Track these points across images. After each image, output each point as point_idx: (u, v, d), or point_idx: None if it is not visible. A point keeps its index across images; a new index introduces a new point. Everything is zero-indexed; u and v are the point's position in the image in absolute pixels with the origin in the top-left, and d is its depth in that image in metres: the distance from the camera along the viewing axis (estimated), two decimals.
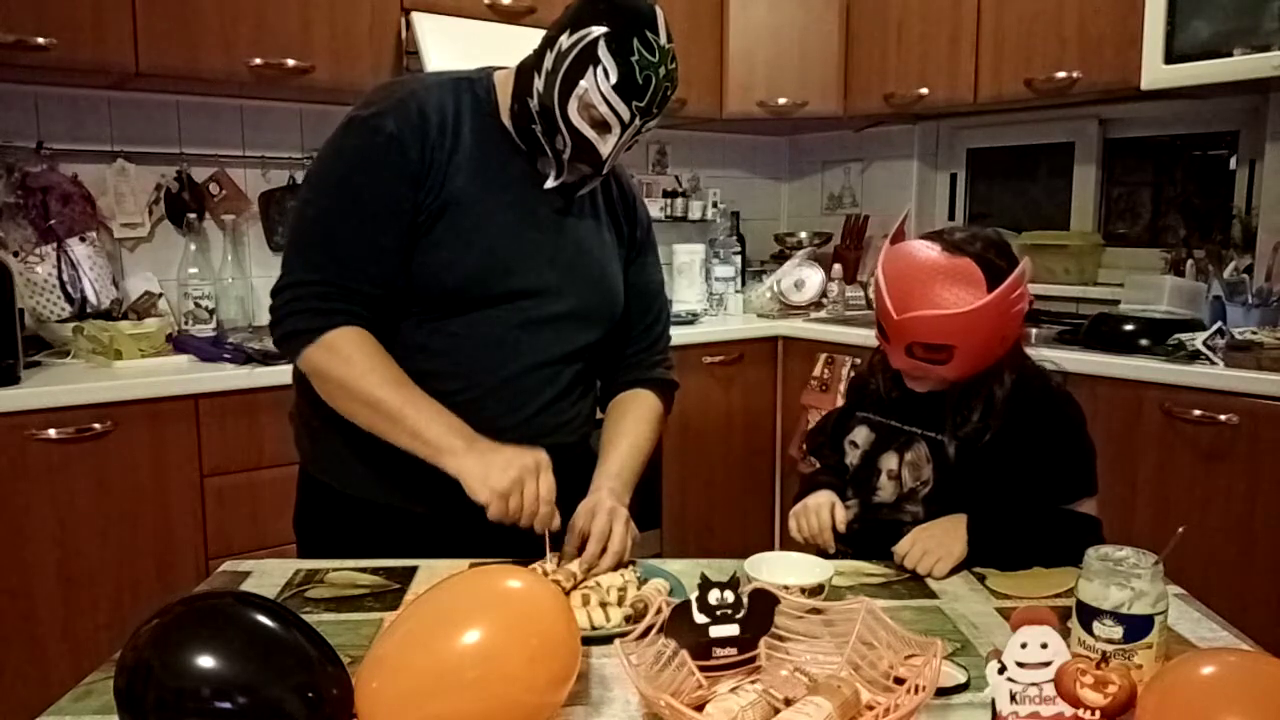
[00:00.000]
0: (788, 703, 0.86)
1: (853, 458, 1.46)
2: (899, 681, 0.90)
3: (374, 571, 1.27)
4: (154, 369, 2.20)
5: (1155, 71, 2.45)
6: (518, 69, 1.34)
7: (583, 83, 1.24)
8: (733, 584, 0.96)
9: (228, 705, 0.79)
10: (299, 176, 2.76)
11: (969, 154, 3.53)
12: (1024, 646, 0.83)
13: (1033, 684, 0.83)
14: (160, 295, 2.59)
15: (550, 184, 1.33)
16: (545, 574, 1.17)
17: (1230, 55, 2.31)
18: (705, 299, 3.36)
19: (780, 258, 3.63)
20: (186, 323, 2.56)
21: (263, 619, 0.86)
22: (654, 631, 0.98)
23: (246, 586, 1.21)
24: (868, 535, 1.41)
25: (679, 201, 3.53)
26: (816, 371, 2.99)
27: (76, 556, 2.03)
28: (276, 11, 2.40)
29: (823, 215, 3.86)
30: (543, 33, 1.31)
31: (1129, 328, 2.40)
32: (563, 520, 1.26)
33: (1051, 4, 2.72)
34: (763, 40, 3.27)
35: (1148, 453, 2.25)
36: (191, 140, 2.66)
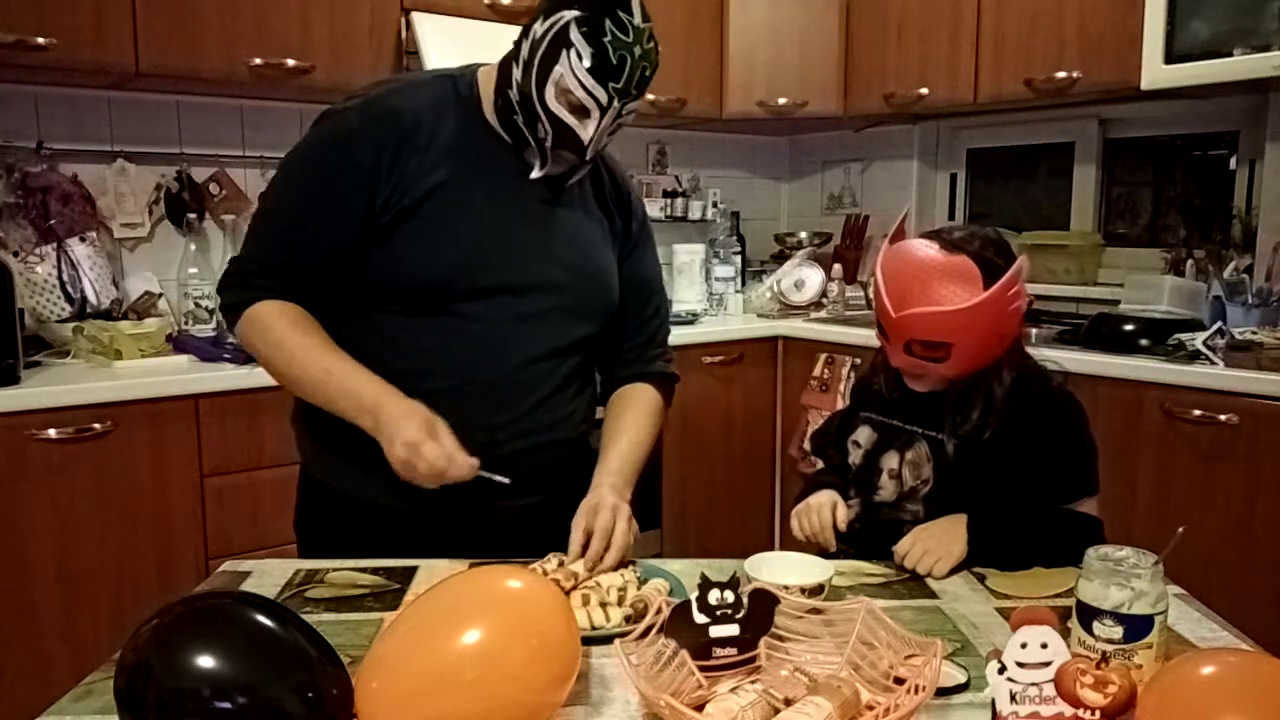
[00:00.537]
0: (788, 703, 0.86)
1: (855, 457, 1.47)
2: (899, 681, 0.90)
3: (374, 571, 1.27)
4: (154, 369, 2.20)
5: (1155, 71, 2.45)
6: (500, 63, 1.33)
7: (557, 68, 1.23)
8: (733, 584, 0.97)
9: (228, 705, 0.79)
10: None
11: (969, 154, 3.53)
12: (1024, 646, 0.83)
13: (1033, 684, 0.83)
14: (160, 295, 2.59)
15: (535, 174, 1.32)
16: (545, 574, 1.17)
17: (1230, 55, 2.31)
18: (705, 299, 3.36)
19: (780, 258, 3.63)
20: (186, 323, 2.56)
21: (263, 619, 0.86)
22: (654, 631, 0.98)
23: (246, 586, 1.21)
24: (869, 534, 1.41)
25: (679, 201, 3.53)
26: (816, 371, 2.99)
27: (76, 556, 2.03)
28: (276, 11, 2.41)
29: (823, 215, 3.86)
30: None
31: (1129, 328, 2.40)
32: (565, 519, 1.26)
33: (1051, 4, 2.72)
34: (763, 40, 3.27)
35: (1148, 453, 2.25)
36: (191, 140, 2.66)
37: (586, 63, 1.22)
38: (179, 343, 2.39)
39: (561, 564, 1.21)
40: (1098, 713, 0.80)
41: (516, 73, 1.27)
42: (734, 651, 0.95)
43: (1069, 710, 0.81)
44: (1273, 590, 2.07)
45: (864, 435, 1.47)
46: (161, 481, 2.11)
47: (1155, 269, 2.87)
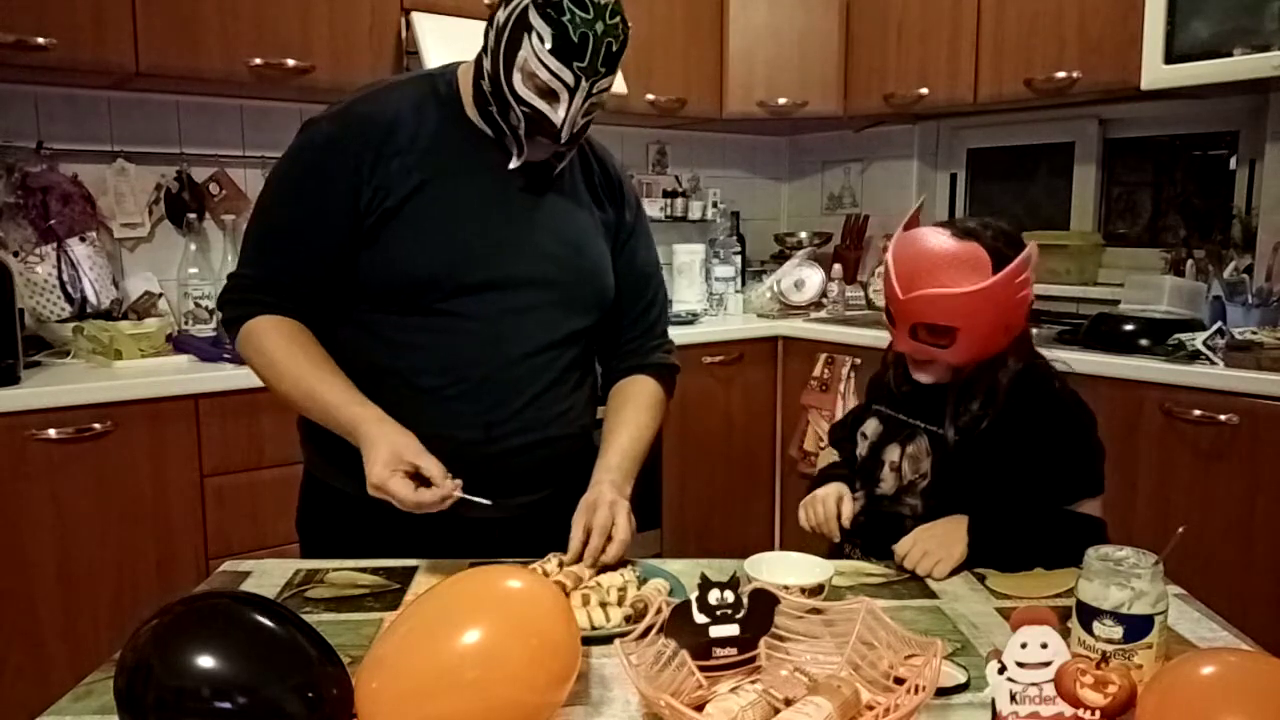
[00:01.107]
0: (788, 703, 0.86)
1: (861, 449, 1.48)
2: (899, 681, 0.90)
3: (374, 571, 1.27)
4: (154, 369, 2.20)
5: (1155, 71, 2.45)
6: (476, 58, 1.33)
7: (521, 53, 1.23)
8: (733, 584, 0.97)
9: (228, 705, 0.79)
10: None
11: (969, 154, 3.53)
12: (1024, 646, 0.83)
13: (1033, 684, 0.83)
14: (160, 295, 2.59)
15: (514, 164, 1.31)
16: (545, 574, 1.17)
17: (1230, 55, 2.31)
18: (705, 299, 3.36)
19: (780, 258, 3.63)
20: (186, 323, 2.56)
21: (263, 619, 0.86)
22: (654, 631, 0.98)
23: (246, 586, 1.21)
24: (871, 527, 1.42)
25: (679, 201, 3.53)
26: (816, 371, 2.99)
27: (76, 556, 2.03)
28: (276, 11, 2.41)
29: (823, 215, 3.86)
30: None
31: (1129, 328, 2.40)
32: (567, 517, 1.26)
33: (1051, 4, 2.72)
34: (763, 40, 3.27)
35: (1148, 453, 2.25)
36: (191, 140, 2.66)
37: (548, 44, 1.21)
38: (179, 343, 2.39)
39: (562, 564, 1.21)
40: (1098, 713, 0.80)
41: (486, 63, 1.28)
42: (734, 651, 0.95)
43: (1069, 710, 0.81)
44: (1273, 590, 2.07)
45: (871, 427, 1.48)
46: (161, 481, 2.11)
47: (1155, 269, 2.87)
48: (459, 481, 1.18)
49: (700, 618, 0.95)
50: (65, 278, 2.38)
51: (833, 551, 1.47)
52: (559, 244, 1.38)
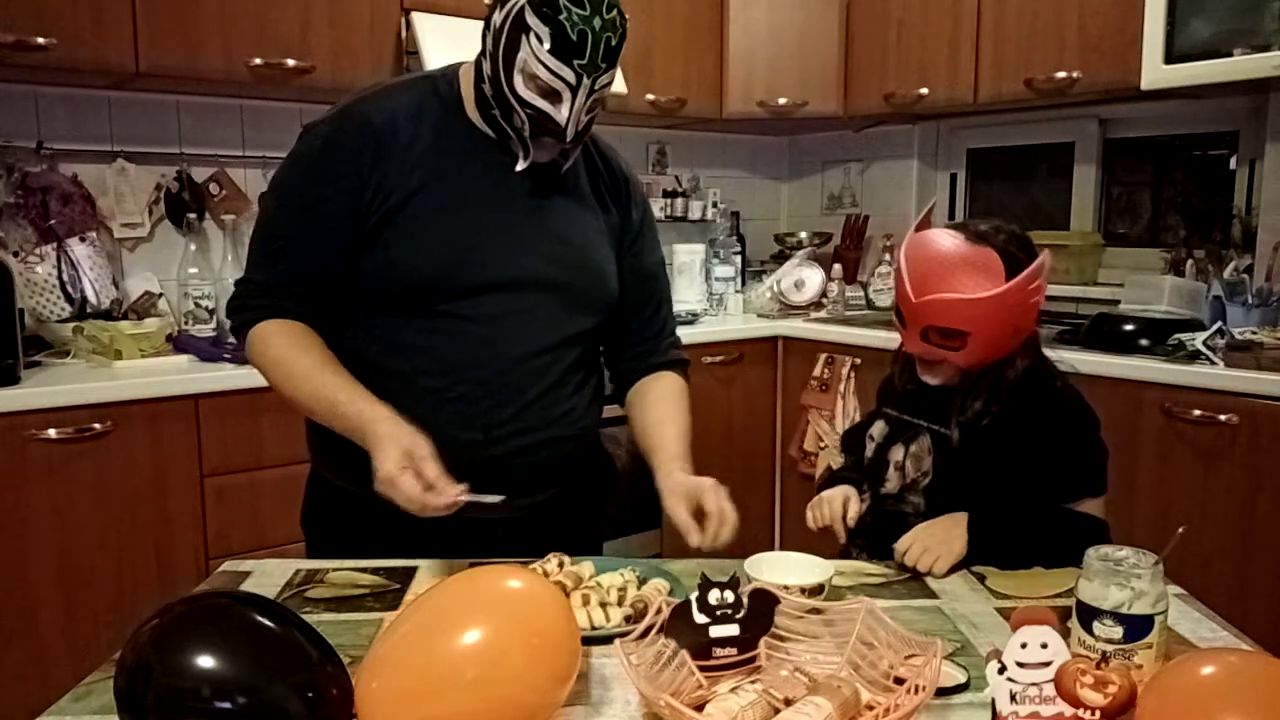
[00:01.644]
0: (788, 703, 0.86)
1: (869, 450, 1.49)
2: (899, 681, 0.90)
3: (374, 571, 1.27)
4: (154, 369, 2.20)
5: (1155, 71, 2.45)
6: (475, 60, 1.33)
7: (520, 54, 1.22)
8: (733, 584, 0.97)
9: (228, 705, 0.79)
10: None
11: (969, 154, 3.53)
12: (1024, 646, 0.83)
13: (1033, 684, 0.83)
14: (160, 295, 2.59)
15: (520, 166, 1.30)
16: (545, 574, 1.17)
17: (1230, 55, 2.31)
18: (705, 299, 3.35)
19: (780, 258, 3.63)
20: (186, 323, 2.56)
21: (263, 619, 0.86)
22: (654, 631, 0.98)
23: (246, 586, 1.21)
24: (875, 526, 1.42)
25: (679, 201, 3.53)
26: (816, 371, 2.99)
27: (76, 556, 2.03)
28: (276, 11, 2.41)
29: (823, 215, 3.86)
30: None
31: (1129, 328, 2.40)
32: (571, 517, 1.26)
33: (1051, 4, 2.72)
34: (763, 40, 3.27)
35: (1148, 453, 2.25)
36: (191, 140, 2.66)
37: (546, 44, 1.20)
38: (179, 343, 2.39)
39: (562, 564, 1.21)
40: (1098, 713, 0.80)
41: (485, 66, 1.27)
42: (734, 651, 0.95)
43: (1069, 710, 0.81)
44: (1273, 590, 2.07)
45: (878, 429, 1.49)
46: (161, 481, 2.11)
47: (1155, 269, 2.87)
48: (464, 486, 1.17)
49: (700, 618, 0.95)
50: (65, 278, 2.38)
51: (839, 554, 1.47)
52: (561, 245, 1.37)
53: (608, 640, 1.00)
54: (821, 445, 2.96)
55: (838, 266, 3.44)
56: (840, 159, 3.80)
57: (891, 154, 3.62)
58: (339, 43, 2.49)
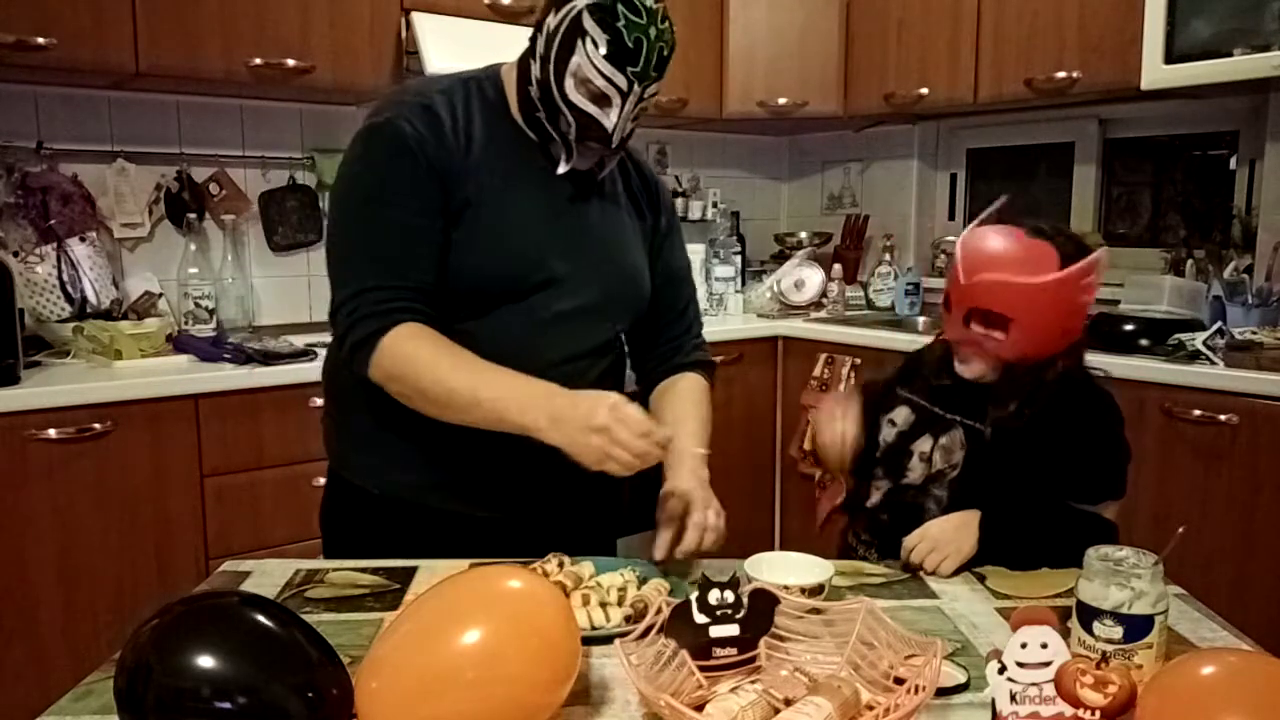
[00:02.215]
0: (788, 703, 0.86)
1: (888, 435, 1.46)
2: (899, 681, 0.90)
3: (374, 571, 1.27)
4: (154, 369, 2.20)
5: (1155, 71, 2.45)
6: (518, 61, 1.33)
7: (575, 59, 1.23)
8: (733, 584, 0.97)
9: (228, 705, 0.79)
10: (299, 177, 2.76)
11: (969, 154, 3.53)
12: (1024, 646, 0.83)
13: (1033, 684, 0.83)
14: (160, 295, 2.59)
15: (562, 169, 1.30)
16: (546, 574, 1.17)
17: (1230, 55, 2.31)
18: (705, 299, 3.35)
19: (780, 258, 3.63)
20: (186, 323, 2.56)
21: (263, 619, 0.86)
22: (654, 631, 0.98)
23: (246, 586, 1.21)
24: (892, 516, 1.41)
25: (679, 201, 3.53)
26: (816, 371, 2.99)
27: (76, 556, 2.03)
28: (276, 11, 2.40)
29: (823, 215, 3.86)
30: None
31: (1129, 328, 2.40)
32: (579, 517, 1.25)
33: (1051, 4, 2.72)
34: (763, 40, 3.27)
35: (1148, 453, 2.24)
36: (191, 140, 2.66)
37: (603, 50, 1.21)
38: (179, 343, 2.39)
39: (562, 564, 1.21)
40: (1098, 713, 0.80)
41: (534, 69, 1.27)
42: (734, 651, 0.95)
43: (1069, 710, 0.81)
44: (1273, 590, 2.07)
45: (901, 415, 1.45)
46: (161, 481, 2.11)
47: (1155, 269, 2.87)
48: (670, 434, 1.18)
49: (700, 618, 0.95)
50: (65, 278, 2.38)
51: (845, 554, 1.47)
52: (602, 249, 1.38)
53: (608, 640, 1.00)
54: None
55: (838, 266, 3.45)
56: (840, 159, 3.80)
57: (891, 154, 3.62)
58: (339, 43, 2.49)
